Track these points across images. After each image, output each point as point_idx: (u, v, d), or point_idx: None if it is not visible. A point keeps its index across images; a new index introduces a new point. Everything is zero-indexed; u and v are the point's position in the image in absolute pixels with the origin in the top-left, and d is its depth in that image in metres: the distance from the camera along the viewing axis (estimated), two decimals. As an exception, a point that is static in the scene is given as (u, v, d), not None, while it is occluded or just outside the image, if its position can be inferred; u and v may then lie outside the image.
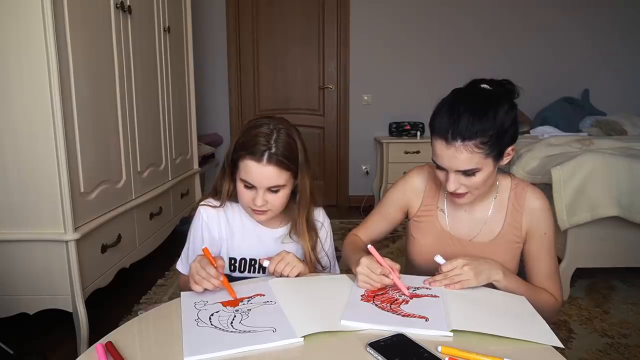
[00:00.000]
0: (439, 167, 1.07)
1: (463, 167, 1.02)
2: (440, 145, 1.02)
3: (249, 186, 1.10)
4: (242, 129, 1.15)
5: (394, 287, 1.01)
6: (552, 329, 0.85)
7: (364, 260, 1.01)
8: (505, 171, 1.21)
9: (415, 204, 1.24)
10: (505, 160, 1.07)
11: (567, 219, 2.10)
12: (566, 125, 3.62)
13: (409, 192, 1.25)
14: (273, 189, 1.10)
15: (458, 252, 1.14)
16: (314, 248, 1.19)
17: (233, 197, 1.19)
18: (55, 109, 1.56)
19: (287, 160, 1.09)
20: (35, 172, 1.60)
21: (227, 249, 1.20)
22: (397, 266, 1.02)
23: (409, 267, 1.30)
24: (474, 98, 1.03)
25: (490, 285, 1.05)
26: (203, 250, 1.04)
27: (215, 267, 0.98)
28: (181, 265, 1.26)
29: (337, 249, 1.33)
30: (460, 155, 1.00)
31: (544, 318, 0.91)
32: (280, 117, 1.17)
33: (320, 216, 1.26)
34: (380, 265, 1.01)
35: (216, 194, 1.22)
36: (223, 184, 1.18)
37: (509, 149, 1.06)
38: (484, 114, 0.99)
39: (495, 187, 1.16)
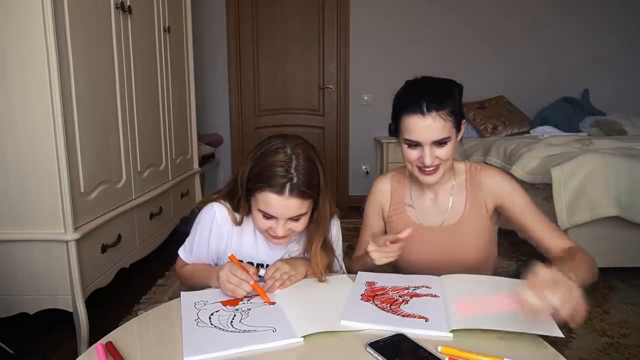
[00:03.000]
0: (411, 146, 1.15)
1: (439, 136, 1.11)
2: (415, 120, 1.12)
3: (269, 216, 1.06)
4: (254, 154, 1.07)
5: (395, 287, 1.01)
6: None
7: (369, 239, 1.09)
8: (459, 160, 1.30)
9: (386, 205, 1.32)
10: (460, 135, 1.19)
11: (567, 219, 2.10)
12: (566, 125, 3.62)
13: (379, 197, 1.33)
14: (295, 218, 1.06)
15: (431, 240, 1.22)
16: (328, 266, 1.15)
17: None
18: (55, 109, 1.56)
19: (308, 189, 1.03)
20: (35, 172, 1.60)
21: (234, 251, 1.18)
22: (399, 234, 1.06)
23: (394, 267, 1.30)
24: (433, 81, 1.18)
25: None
26: (230, 257, 1.04)
27: (247, 272, 0.98)
28: (183, 252, 1.24)
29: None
30: (437, 123, 1.11)
31: (593, 277, 0.95)
32: (294, 136, 1.09)
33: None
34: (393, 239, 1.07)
35: (229, 200, 1.17)
36: (239, 209, 1.13)
37: (462, 122, 1.19)
38: (445, 87, 1.15)
39: (452, 172, 1.26)
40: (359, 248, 1.35)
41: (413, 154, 1.16)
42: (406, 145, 1.16)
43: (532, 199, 1.22)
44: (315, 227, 1.13)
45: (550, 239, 1.16)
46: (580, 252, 1.10)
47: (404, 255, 1.22)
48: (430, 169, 1.15)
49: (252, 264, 1.18)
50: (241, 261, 1.11)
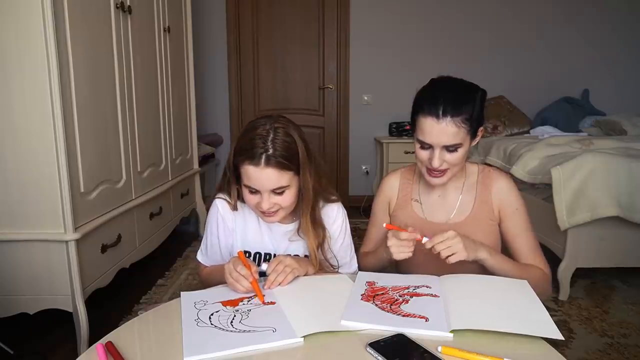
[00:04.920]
0: (423, 147, 1.16)
1: (450, 142, 1.12)
2: (430, 122, 1.12)
3: (253, 191, 1.09)
4: (240, 132, 1.13)
5: (395, 287, 1.01)
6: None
7: (389, 235, 1.10)
8: (473, 161, 1.31)
9: (393, 200, 1.35)
10: (475, 141, 1.19)
11: (567, 219, 2.10)
12: (566, 125, 3.62)
13: (387, 192, 1.35)
14: (277, 191, 1.08)
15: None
16: (320, 247, 1.17)
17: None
18: (55, 109, 1.56)
19: (286, 160, 1.06)
20: (35, 172, 1.60)
21: (241, 242, 1.22)
22: (414, 228, 1.10)
23: (396, 263, 1.31)
24: (456, 84, 1.17)
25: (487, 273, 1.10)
26: (238, 253, 1.06)
27: (248, 269, 0.99)
28: (201, 256, 1.29)
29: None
30: (449, 129, 1.11)
31: (539, 293, 0.96)
32: (278, 115, 1.14)
33: (333, 212, 1.23)
34: (404, 230, 1.09)
35: (225, 188, 1.21)
36: (231, 191, 1.17)
37: (480, 129, 1.18)
38: (468, 94, 1.14)
39: (464, 172, 1.27)
40: (367, 244, 1.38)
41: (424, 154, 1.17)
42: (418, 145, 1.18)
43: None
44: (301, 204, 1.15)
45: (525, 256, 1.21)
46: (531, 267, 1.18)
47: None
48: (438, 172, 1.17)
49: (259, 254, 1.22)
50: (256, 253, 1.14)
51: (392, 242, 1.09)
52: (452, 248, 1.05)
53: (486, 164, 3.00)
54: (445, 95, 1.11)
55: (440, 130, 1.11)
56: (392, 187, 1.35)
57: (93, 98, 1.81)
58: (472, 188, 1.26)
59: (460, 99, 1.12)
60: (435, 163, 1.14)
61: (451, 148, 1.13)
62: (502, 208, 1.23)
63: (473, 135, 1.16)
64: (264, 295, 0.96)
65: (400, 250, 1.08)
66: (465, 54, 4.05)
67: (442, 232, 1.18)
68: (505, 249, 1.26)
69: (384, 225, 1.17)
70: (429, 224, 1.25)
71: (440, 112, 1.10)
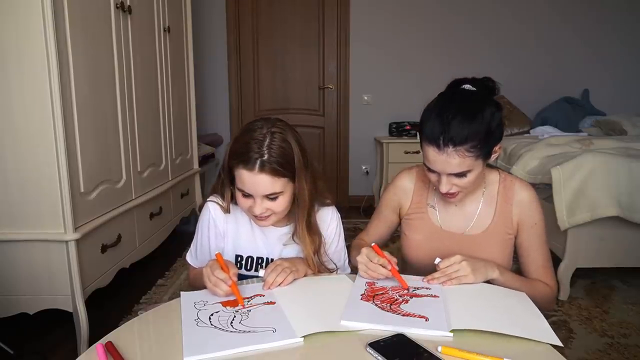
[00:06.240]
0: (431, 170, 1.09)
1: (455, 171, 1.05)
2: (432, 151, 1.04)
3: (247, 195, 1.07)
4: (237, 133, 1.11)
5: (394, 287, 1.01)
6: (551, 327, 0.85)
7: (364, 250, 1.07)
8: (493, 165, 1.23)
9: (406, 204, 1.28)
10: (493, 158, 1.10)
11: (567, 219, 2.10)
12: (566, 125, 3.62)
13: (399, 193, 1.29)
14: (271, 196, 1.06)
15: (451, 246, 1.17)
16: (317, 252, 1.15)
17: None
18: (55, 109, 1.56)
19: (280, 167, 1.04)
20: (35, 172, 1.60)
21: (233, 246, 1.20)
22: (394, 259, 1.05)
23: (404, 265, 1.31)
24: (461, 103, 1.05)
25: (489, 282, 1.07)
26: (216, 255, 1.04)
27: (226, 273, 0.97)
28: (190, 257, 1.27)
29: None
30: (452, 160, 1.03)
31: (542, 308, 0.94)
32: (276, 119, 1.12)
33: (327, 216, 1.22)
34: (380, 256, 1.05)
35: (219, 191, 1.20)
36: (224, 192, 1.16)
37: (497, 147, 1.08)
38: (473, 118, 1.02)
39: (483, 181, 1.19)
40: (366, 232, 1.35)
41: (432, 176, 1.11)
42: (426, 168, 1.11)
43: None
44: (296, 211, 1.14)
45: (536, 269, 1.17)
46: (538, 283, 1.15)
47: (417, 256, 1.23)
48: (448, 194, 1.10)
49: (251, 258, 1.20)
50: (248, 257, 1.10)
51: (361, 259, 1.06)
52: (459, 272, 1.02)
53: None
54: (447, 122, 1.01)
55: (443, 161, 1.03)
56: (406, 190, 1.27)
57: (93, 98, 1.81)
58: (492, 200, 1.18)
59: (464, 126, 1.00)
60: (443, 189, 1.08)
61: (459, 174, 1.05)
62: (521, 221, 1.17)
63: (486, 156, 1.06)
64: (244, 299, 0.95)
65: (364, 269, 1.05)
66: (464, 54, 4.05)
67: (458, 243, 1.17)
68: (516, 258, 1.22)
69: (372, 245, 1.09)
70: (445, 234, 1.20)
71: (441, 143, 1.01)
